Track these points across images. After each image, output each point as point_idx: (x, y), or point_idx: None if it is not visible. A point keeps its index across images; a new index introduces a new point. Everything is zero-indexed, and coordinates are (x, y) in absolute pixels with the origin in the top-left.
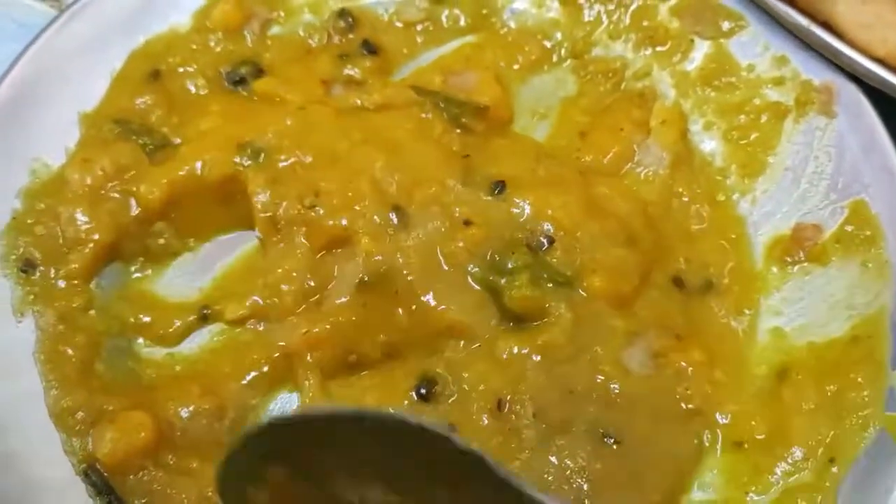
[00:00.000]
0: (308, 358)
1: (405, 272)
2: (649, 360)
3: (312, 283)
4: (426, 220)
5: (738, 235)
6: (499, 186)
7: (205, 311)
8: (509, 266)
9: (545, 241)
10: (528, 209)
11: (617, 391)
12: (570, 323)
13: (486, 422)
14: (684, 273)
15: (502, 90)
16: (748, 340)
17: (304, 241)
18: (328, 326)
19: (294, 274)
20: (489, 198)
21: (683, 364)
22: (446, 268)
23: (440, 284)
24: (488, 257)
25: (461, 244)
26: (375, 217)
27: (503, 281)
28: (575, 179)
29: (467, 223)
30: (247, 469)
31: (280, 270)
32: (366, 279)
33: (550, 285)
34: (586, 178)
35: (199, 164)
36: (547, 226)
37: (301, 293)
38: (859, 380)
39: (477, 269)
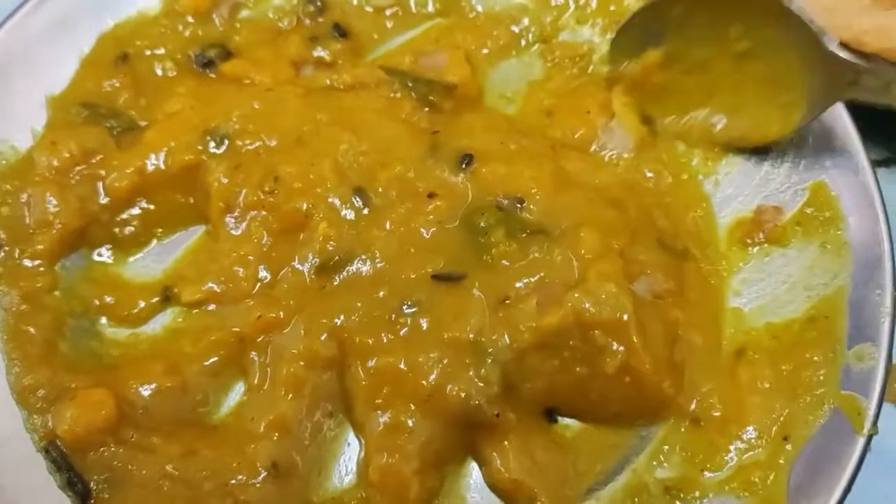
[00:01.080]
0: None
1: (372, 256)
2: (651, 296)
3: (267, 269)
4: (390, 202)
5: (706, 212)
6: (466, 160)
7: (167, 293)
8: (482, 225)
9: (516, 202)
10: (496, 180)
11: None
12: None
13: None
14: (665, 236)
15: (471, 69)
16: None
17: (259, 226)
18: (281, 312)
19: (249, 258)
20: (456, 172)
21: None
22: (413, 251)
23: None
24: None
25: (430, 217)
26: (336, 200)
27: (480, 241)
28: (546, 153)
29: (431, 195)
30: None
31: (235, 255)
32: (322, 263)
33: (526, 235)
34: (557, 153)
35: (163, 154)
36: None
37: (255, 278)
38: (815, 359)
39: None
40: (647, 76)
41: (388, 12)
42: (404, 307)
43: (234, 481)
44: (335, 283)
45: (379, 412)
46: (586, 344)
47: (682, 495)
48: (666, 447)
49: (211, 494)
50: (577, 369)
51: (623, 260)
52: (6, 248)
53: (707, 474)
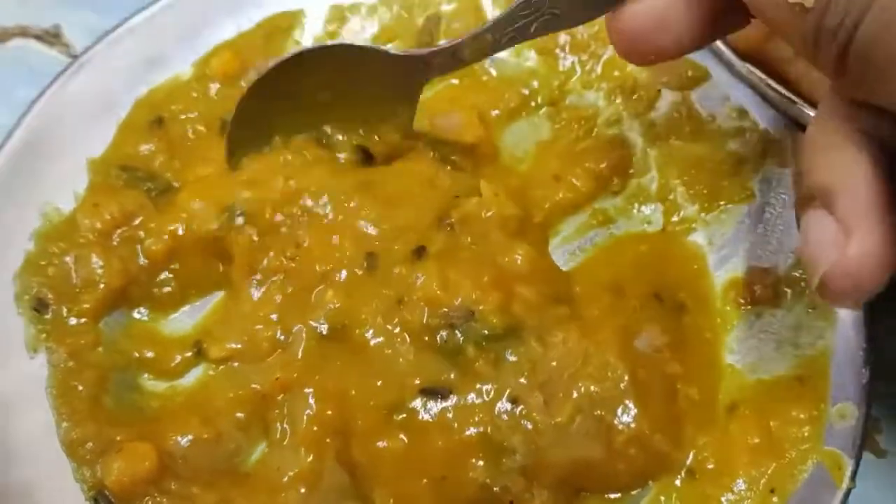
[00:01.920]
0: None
1: (371, 329)
2: (651, 350)
3: (282, 331)
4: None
5: (700, 267)
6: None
7: (198, 347)
8: (448, 346)
9: (465, 317)
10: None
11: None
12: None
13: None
14: (662, 289)
15: (486, 128)
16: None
17: (278, 289)
18: (296, 374)
19: (270, 318)
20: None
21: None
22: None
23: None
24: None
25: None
26: (346, 268)
27: (456, 359)
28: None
29: (399, 302)
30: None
31: (255, 316)
32: (323, 331)
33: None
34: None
35: (193, 217)
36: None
37: (275, 339)
38: (801, 416)
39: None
40: None
41: None
42: (399, 413)
43: None
44: (337, 352)
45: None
46: (596, 423)
47: None
48: (662, 497)
49: None
50: (591, 450)
51: (621, 317)
52: (54, 308)
53: None
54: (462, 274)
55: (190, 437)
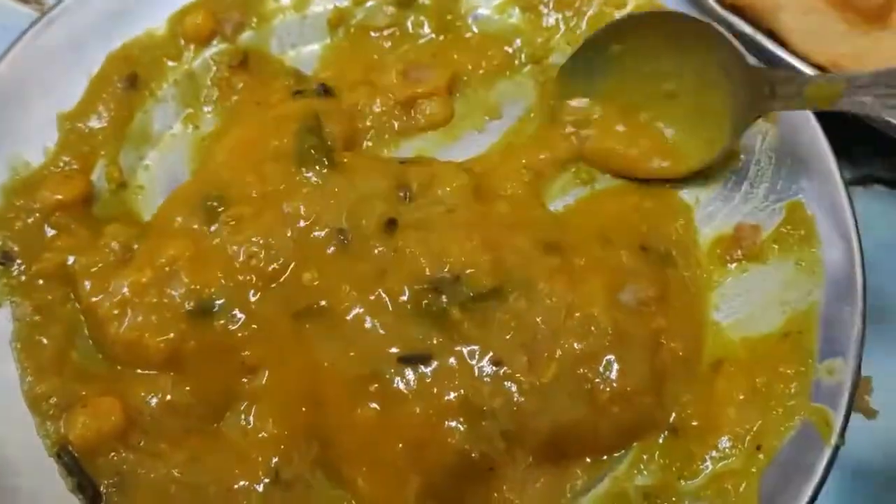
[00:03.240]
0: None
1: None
2: (636, 304)
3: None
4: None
5: (687, 221)
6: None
7: None
8: (433, 309)
9: (452, 281)
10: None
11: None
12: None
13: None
14: (647, 240)
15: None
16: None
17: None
18: (268, 349)
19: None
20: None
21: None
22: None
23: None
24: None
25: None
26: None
27: (439, 321)
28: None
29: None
30: None
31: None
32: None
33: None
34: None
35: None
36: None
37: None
38: (788, 372)
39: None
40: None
41: (385, 33)
42: (373, 383)
43: (237, 486)
44: (315, 327)
45: (365, 467)
46: (579, 382)
47: (659, 502)
48: (645, 456)
49: (215, 498)
50: (574, 410)
51: (607, 268)
52: (19, 261)
53: (683, 482)
54: (446, 240)
55: (160, 396)
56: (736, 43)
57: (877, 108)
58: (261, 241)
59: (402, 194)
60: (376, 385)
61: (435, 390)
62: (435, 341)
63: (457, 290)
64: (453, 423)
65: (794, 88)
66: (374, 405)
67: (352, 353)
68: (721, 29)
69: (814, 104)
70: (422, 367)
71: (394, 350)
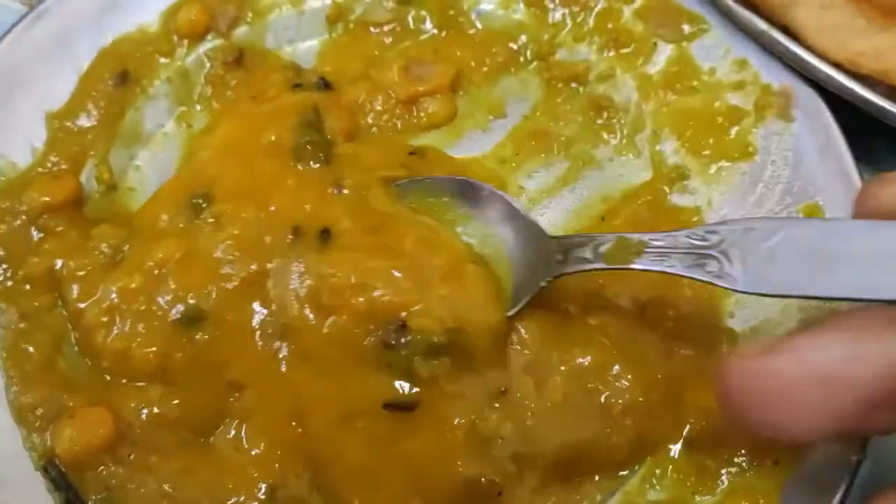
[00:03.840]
0: None
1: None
2: (637, 307)
3: None
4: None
5: (699, 220)
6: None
7: None
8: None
9: (398, 331)
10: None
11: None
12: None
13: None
14: None
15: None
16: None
17: None
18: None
19: None
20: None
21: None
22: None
23: None
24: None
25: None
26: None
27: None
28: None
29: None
30: None
31: None
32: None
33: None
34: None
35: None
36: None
37: None
38: None
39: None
40: None
41: (385, 28)
42: (359, 421)
43: (231, 502)
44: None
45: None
46: (589, 397)
47: None
48: (658, 470)
49: None
50: (586, 427)
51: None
52: (4, 266)
53: (698, 497)
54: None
55: (151, 408)
56: (531, 218)
57: (678, 269)
58: (239, 243)
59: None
60: (366, 422)
61: (436, 426)
62: (415, 391)
63: (409, 341)
64: (457, 453)
65: (589, 252)
66: (362, 440)
67: (330, 385)
68: (516, 205)
69: (613, 263)
70: (409, 412)
71: (374, 397)
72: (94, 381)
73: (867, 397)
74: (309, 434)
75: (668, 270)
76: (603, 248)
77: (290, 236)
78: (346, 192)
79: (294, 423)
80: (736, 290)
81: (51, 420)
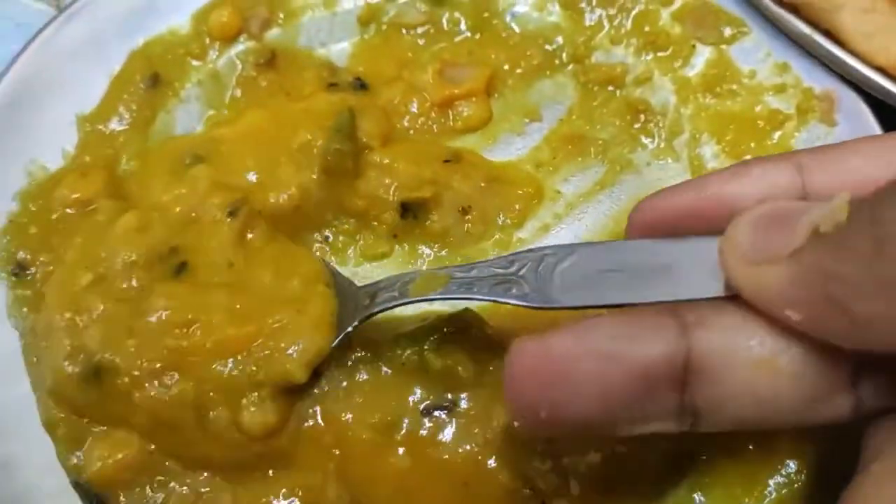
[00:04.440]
0: None
1: None
2: None
3: None
4: None
5: None
6: None
7: None
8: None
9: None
10: None
11: None
12: None
13: None
14: None
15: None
16: None
17: None
18: None
19: None
20: None
21: None
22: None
23: None
24: None
25: None
26: None
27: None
28: None
29: None
30: None
31: None
32: None
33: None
34: None
35: None
36: None
37: None
38: None
39: None
40: None
41: (419, 30)
42: (398, 431)
43: None
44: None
45: None
46: None
47: None
48: (706, 479)
49: None
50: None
51: None
52: (32, 269)
53: None
54: None
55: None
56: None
57: (481, 293)
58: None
59: None
60: (402, 434)
61: (476, 430)
62: (450, 396)
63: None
64: (501, 459)
65: (396, 291)
66: (401, 451)
67: (362, 401)
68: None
69: (420, 295)
70: (447, 414)
71: (413, 399)
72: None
73: (642, 375)
74: (347, 455)
75: (473, 296)
76: (409, 286)
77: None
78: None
79: (332, 451)
80: (531, 307)
81: (80, 437)
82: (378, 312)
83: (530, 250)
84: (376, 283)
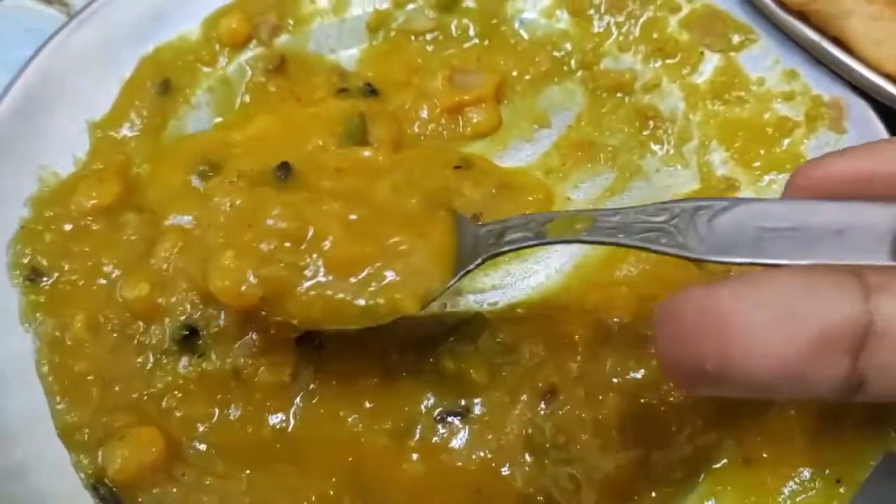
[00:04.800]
0: None
1: None
2: None
3: None
4: None
5: None
6: None
7: None
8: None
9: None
10: None
11: None
12: None
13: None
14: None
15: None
16: None
17: None
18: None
19: None
20: None
21: None
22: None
23: None
24: None
25: None
26: None
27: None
28: None
29: None
30: None
31: None
32: None
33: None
34: None
35: None
36: None
37: None
38: None
39: None
40: None
41: (427, 37)
42: (413, 439)
43: None
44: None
45: None
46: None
47: None
48: (718, 487)
49: None
50: (640, 446)
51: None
52: (46, 277)
53: None
54: None
55: (206, 424)
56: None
57: (629, 240)
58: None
59: None
60: (416, 440)
61: (489, 436)
62: (463, 402)
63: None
64: (515, 466)
65: (530, 231)
66: (417, 458)
67: (371, 406)
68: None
69: (558, 237)
70: (461, 420)
71: (424, 409)
72: (141, 403)
73: (822, 335)
74: (361, 459)
75: (620, 242)
76: (544, 226)
77: None
78: None
79: (346, 458)
80: (689, 258)
81: (100, 441)
82: (506, 252)
83: (675, 201)
84: (503, 221)
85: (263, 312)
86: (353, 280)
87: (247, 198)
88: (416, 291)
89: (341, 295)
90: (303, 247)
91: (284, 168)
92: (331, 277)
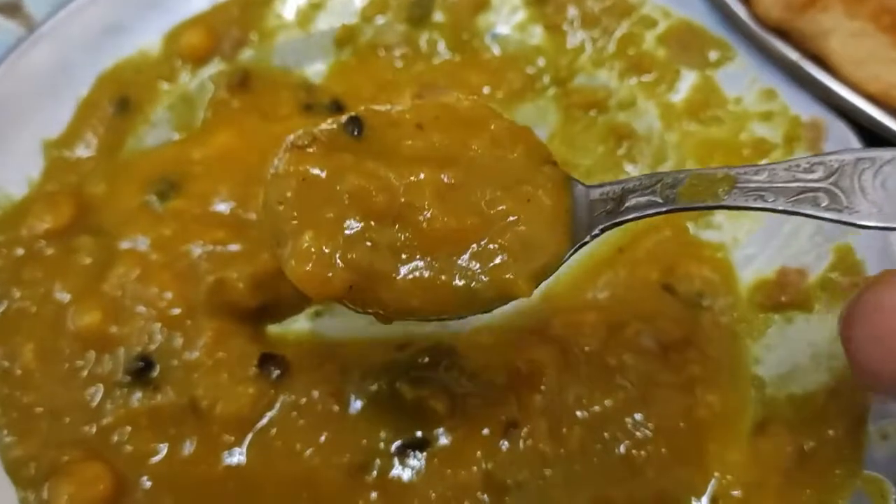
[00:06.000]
0: None
1: None
2: (659, 348)
3: None
4: None
5: (723, 257)
6: None
7: None
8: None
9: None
10: None
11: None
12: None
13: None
14: (672, 279)
15: None
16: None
17: None
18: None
19: None
20: None
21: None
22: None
23: None
24: None
25: None
26: None
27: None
28: None
29: None
30: None
31: None
32: None
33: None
34: None
35: None
36: None
37: None
38: (838, 436)
39: None
40: None
41: (396, 52)
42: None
43: None
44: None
45: None
46: (608, 447)
47: None
48: None
49: None
50: (606, 480)
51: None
52: None
53: None
54: None
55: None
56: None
57: (783, 205)
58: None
59: None
60: (373, 476)
61: (448, 471)
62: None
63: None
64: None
65: (657, 195)
66: (375, 496)
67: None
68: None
69: (692, 203)
70: (420, 452)
71: (384, 437)
72: (90, 437)
73: None
74: (318, 499)
75: (773, 207)
76: (674, 189)
77: None
78: None
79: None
80: (863, 226)
81: (46, 476)
82: (629, 221)
83: (829, 153)
84: (621, 181)
85: (346, 304)
86: (456, 260)
87: (323, 165)
88: (530, 269)
89: (444, 278)
90: (395, 223)
91: (354, 122)
92: (430, 259)
